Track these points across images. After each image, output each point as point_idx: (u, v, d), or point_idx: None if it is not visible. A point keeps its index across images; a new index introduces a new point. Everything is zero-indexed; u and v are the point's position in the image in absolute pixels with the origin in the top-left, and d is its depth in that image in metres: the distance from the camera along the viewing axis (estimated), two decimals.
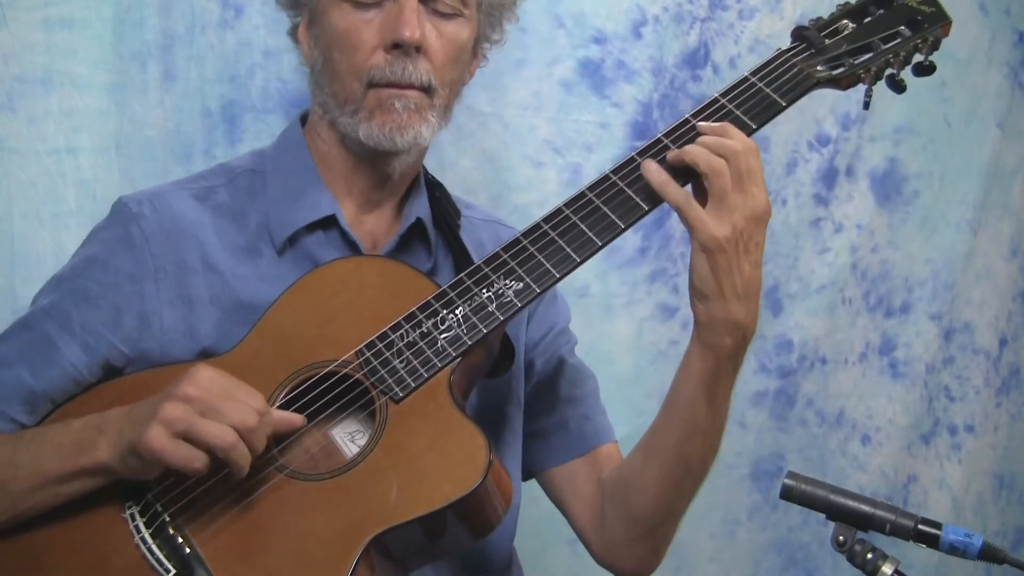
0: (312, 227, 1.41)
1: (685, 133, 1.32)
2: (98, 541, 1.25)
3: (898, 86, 1.40)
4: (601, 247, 1.30)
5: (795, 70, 1.36)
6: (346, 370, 1.29)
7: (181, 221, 1.38)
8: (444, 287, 1.32)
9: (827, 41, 1.39)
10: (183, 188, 1.42)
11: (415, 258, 1.44)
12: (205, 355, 1.34)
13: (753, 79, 1.36)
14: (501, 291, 1.29)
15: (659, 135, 1.32)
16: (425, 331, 1.29)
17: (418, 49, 1.35)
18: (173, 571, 1.21)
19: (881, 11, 1.42)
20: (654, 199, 1.30)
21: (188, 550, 1.22)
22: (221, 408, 1.18)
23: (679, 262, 2.15)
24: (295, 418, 1.25)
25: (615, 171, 1.32)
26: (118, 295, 1.34)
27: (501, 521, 1.28)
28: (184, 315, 1.35)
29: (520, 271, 1.30)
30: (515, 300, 1.29)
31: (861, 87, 1.40)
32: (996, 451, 2.51)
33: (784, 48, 1.39)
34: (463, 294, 1.30)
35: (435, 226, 1.47)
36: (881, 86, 1.41)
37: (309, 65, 1.45)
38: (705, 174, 1.26)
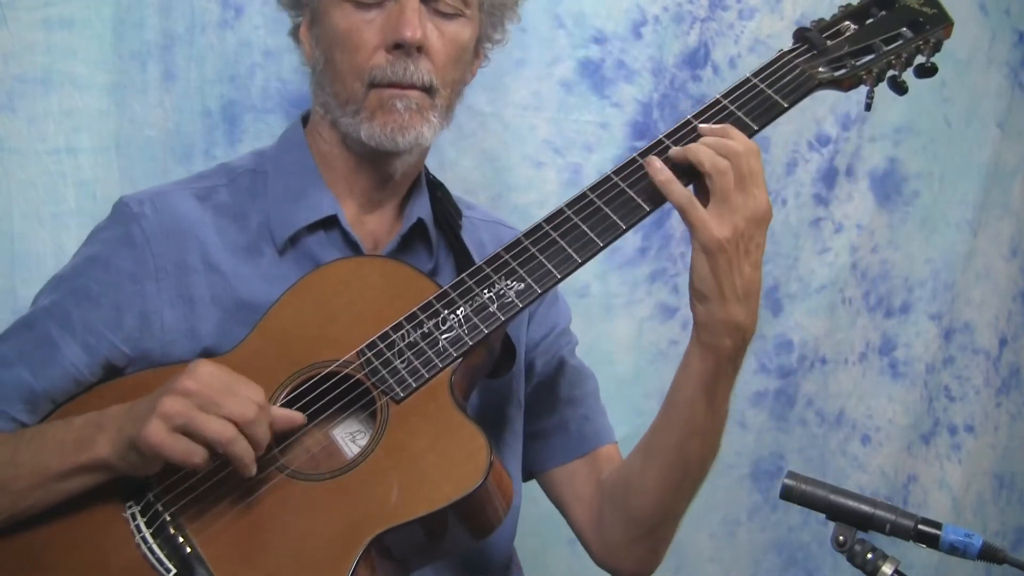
0: (313, 227, 1.41)
1: (687, 134, 1.32)
2: (98, 540, 1.25)
3: (900, 88, 1.41)
4: (603, 248, 1.30)
5: (797, 71, 1.36)
6: (347, 370, 1.29)
7: (182, 221, 1.38)
8: (445, 287, 1.31)
9: (829, 42, 1.39)
10: (184, 188, 1.42)
11: (416, 258, 1.44)
12: (206, 355, 1.33)
13: (755, 80, 1.36)
14: (502, 291, 1.29)
15: (660, 136, 1.33)
16: (426, 331, 1.29)
17: (419, 49, 1.35)
18: (174, 570, 1.21)
19: (883, 13, 1.42)
20: (656, 200, 1.30)
21: (189, 550, 1.22)
22: (220, 402, 1.18)
23: (679, 262, 2.15)
24: (295, 416, 1.25)
25: (616, 172, 1.32)
26: (119, 295, 1.34)
27: (502, 522, 1.28)
28: (185, 315, 1.35)
29: (521, 271, 1.30)
30: (516, 301, 1.29)
31: (863, 88, 1.40)
32: (996, 451, 2.52)
33: (786, 49, 1.39)
34: (464, 294, 1.30)
35: (436, 226, 1.47)
36: (882, 87, 1.41)
37: (310, 65, 1.45)
38: (709, 174, 1.26)
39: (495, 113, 2.03)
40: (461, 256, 1.45)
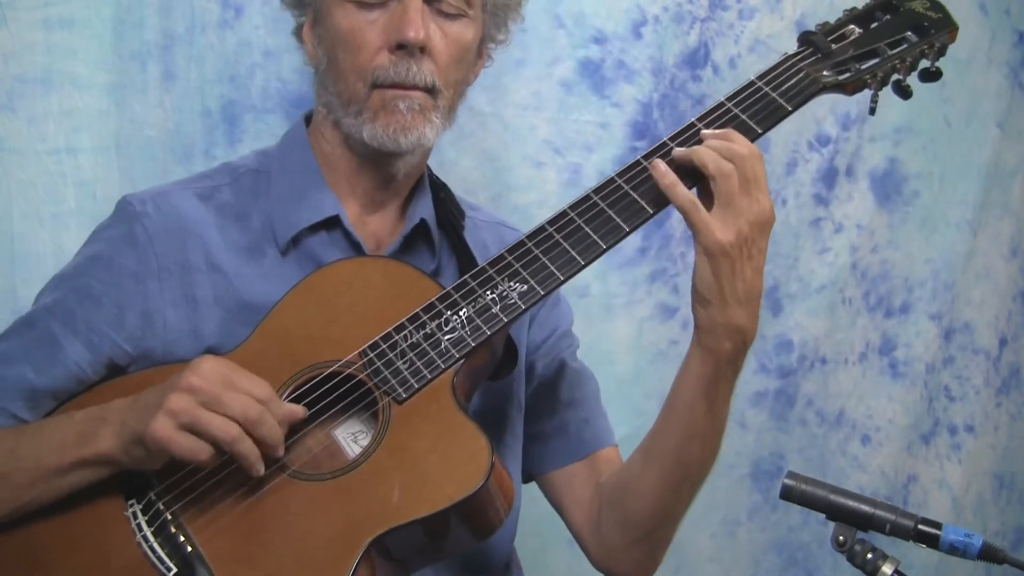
0: (315, 227, 1.40)
1: (690, 137, 1.32)
2: (99, 538, 1.25)
3: (904, 92, 1.41)
4: (606, 250, 1.30)
5: (801, 75, 1.36)
6: (349, 370, 1.29)
7: (185, 220, 1.37)
8: (448, 288, 1.31)
9: (833, 46, 1.39)
10: (187, 187, 1.42)
11: (419, 259, 1.44)
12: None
13: (759, 83, 1.36)
14: (505, 293, 1.29)
15: (664, 139, 1.33)
16: (429, 332, 1.29)
17: (422, 50, 1.35)
18: (174, 569, 1.21)
19: (888, 17, 1.42)
20: (659, 203, 1.30)
21: (190, 548, 1.22)
22: (223, 399, 1.19)
23: (679, 262, 2.15)
24: (296, 409, 1.25)
25: (620, 174, 1.32)
26: (121, 294, 1.34)
27: (503, 523, 1.28)
28: (188, 314, 1.35)
29: (524, 273, 1.30)
30: (519, 302, 1.29)
31: (867, 92, 1.40)
32: (996, 451, 2.52)
33: (790, 53, 1.39)
34: (467, 296, 1.30)
35: (439, 227, 1.47)
36: (886, 91, 1.41)
37: (313, 65, 1.45)
38: (713, 177, 1.26)
39: (495, 113, 2.03)
40: (464, 257, 1.44)
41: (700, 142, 1.30)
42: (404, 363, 1.28)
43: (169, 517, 1.24)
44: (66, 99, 1.77)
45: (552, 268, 1.30)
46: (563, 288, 1.38)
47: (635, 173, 1.31)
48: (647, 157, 1.32)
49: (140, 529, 1.24)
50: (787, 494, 1.17)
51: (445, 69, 1.38)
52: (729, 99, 1.35)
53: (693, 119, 1.33)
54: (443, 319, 1.29)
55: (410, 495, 1.22)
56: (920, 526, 1.13)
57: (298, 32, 1.48)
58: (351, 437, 1.30)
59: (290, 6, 1.48)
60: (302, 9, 1.46)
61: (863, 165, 2.30)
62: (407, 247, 1.44)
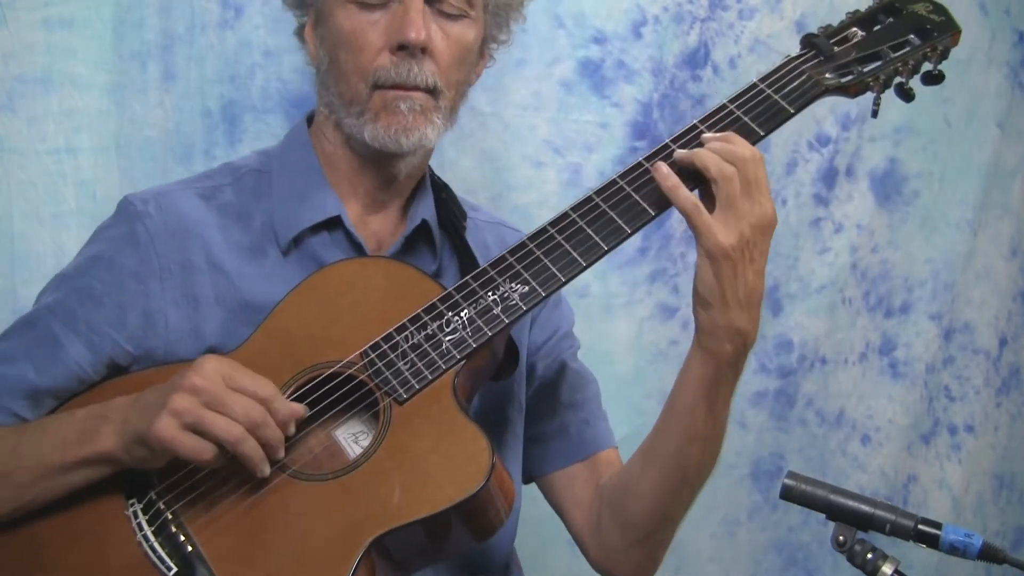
0: (317, 228, 1.40)
1: (692, 139, 1.32)
2: (99, 537, 1.25)
3: (907, 95, 1.41)
4: (607, 252, 1.30)
5: (804, 77, 1.36)
6: (350, 371, 1.29)
7: (186, 220, 1.37)
8: (449, 289, 1.31)
9: (836, 49, 1.39)
10: (188, 187, 1.42)
11: (420, 260, 1.44)
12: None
13: (762, 86, 1.35)
14: (506, 294, 1.29)
15: (667, 141, 1.32)
16: (430, 333, 1.29)
17: (423, 51, 1.35)
18: (174, 569, 1.21)
19: (890, 19, 1.42)
20: (661, 204, 1.30)
21: (190, 548, 1.22)
22: (226, 400, 1.19)
23: (679, 262, 2.16)
24: (297, 408, 1.25)
25: (622, 176, 1.32)
26: (123, 294, 1.34)
27: (503, 524, 1.28)
28: (189, 314, 1.35)
29: (526, 275, 1.30)
30: (520, 303, 1.29)
31: (869, 95, 1.40)
32: (996, 451, 2.52)
33: (793, 55, 1.39)
34: (468, 297, 1.30)
35: (441, 228, 1.47)
36: (888, 94, 1.41)
37: (315, 65, 1.45)
38: (715, 179, 1.26)
39: (495, 113, 2.03)
40: (465, 258, 1.44)
41: (701, 145, 1.30)
42: (405, 364, 1.28)
43: (170, 516, 1.24)
44: (66, 99, 1.77)
45: (553, 269, 1.29)
46: (563, 289, 1.38)
47: (637, 175, 1.31)
48: (649, 159, 1.31)
49: (140, 528, 1.24)
50: (787, 494, 1.17)
51: (446, 70, 1.38)
52: (731, 101, 1.34)
53: (695, 121, 1.33)
54: (444, 320, 1.29)
55: (411, 496, 1.22)
56: (920, 526, 1.13)
57: (300, 32, 1.48)
58: (352, 437, 1.30)
59: (292, 6, 1.48)
60: (304, 9, 1.46)
61: (863, 165, 2.30)
62: (408, 248, 1.44)
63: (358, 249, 1.41)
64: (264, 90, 1.90)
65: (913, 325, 2.38)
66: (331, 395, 1.28)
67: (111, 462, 1.24)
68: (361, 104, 1.37)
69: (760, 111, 1.34)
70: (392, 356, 1.29)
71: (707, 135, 1.30)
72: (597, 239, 1.30)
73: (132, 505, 1.25)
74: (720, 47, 2.15)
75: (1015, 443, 2.53)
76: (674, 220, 2.11)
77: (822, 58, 1.38)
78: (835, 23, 1.42)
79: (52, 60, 1.76)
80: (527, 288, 1.29)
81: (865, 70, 1.38)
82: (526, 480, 1.54)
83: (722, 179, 1.25)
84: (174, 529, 1.23)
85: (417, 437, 1.25)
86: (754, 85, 1.36)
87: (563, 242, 1.30)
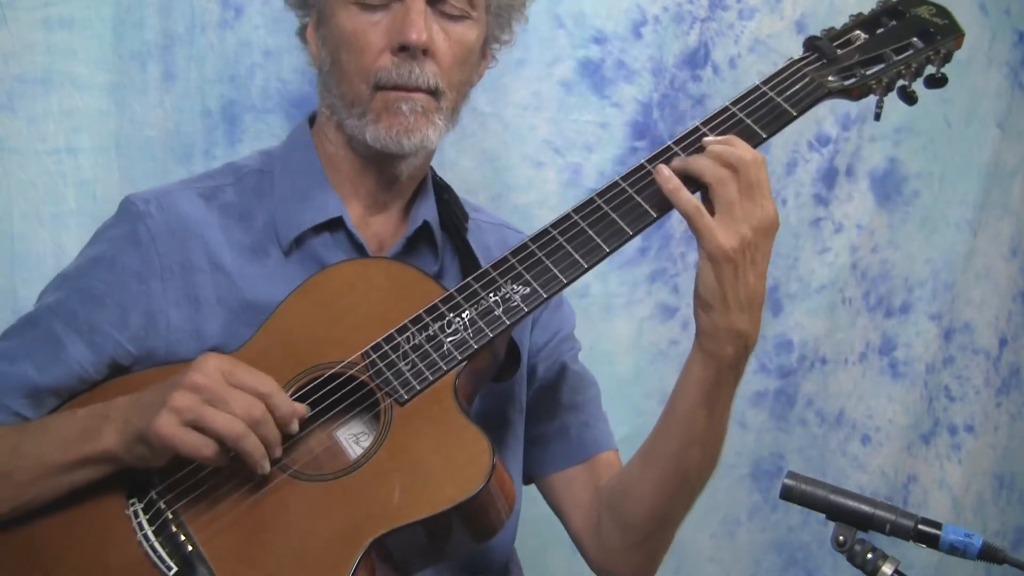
0: (319, 228, 1.40)
1: (695, 141, 1.31)
2: (100, 537, 1.25)
3: (909, 98, 1.40)
4: (609, 253, 1.30)
5: (806, 80, 1.36)
6: (352, 371, 1.28)
7: (187, 220, 1.37)
8: (451, 291, 1.31)
9: (839, 51, 1.38)
10: (190, 187, 1.42)
11: (422, 261, 1.44)
12: None
13: (764, 88, 1.35)
14: (508, 296, 1.29)
15: (669, 143, 1.32)
16: (431, 334, 1.29)
17: (425, 52, 1.35)
18: (175, 569, 1.21)
19: (893, 23, 1.42)
20: (663, 206, 1.30)
21: (190, 548, 1.22)
22: (227, 397, 1.19)
23: (679, 262, 2.15)
24: (298, 406, 1.25)
25: (624, 178, 1.32)
26: (124, 294, 1.34)
27: (504, 525, 1.28)
28: (191, 315, 1.35)
29: (528, 276, 1.30)
30: (522, 305, 1.29)
31: (872, 98, 1.40)
32: (996, 451, 2.52)
33: (796, 58, 1.39)
34: (470, 298, 1.30)
35: (442, 229, 1.47)
36: (891, 97, 1.41)
37: (317, 66, 1.45)
38: (710, 184, 1.26)
39: (495, 113, 2.03)
40: (467, 259, 1.44)
41: (703, 147, 1.30)
42: (406, 364, 1.28)
43: (170, 516, 1.24)
44: (66, 99, 1.77)
45: (555, 271, 1.29)
46: (564, 290, 1.38)
47: (639, 176, 1.31)
48: (651, 160, 1.31)
49: (141, 528, 1.24)
50: (787, 494, 1.17)
51: (448, 71, 1.38)
52: (734, 103, 1.34)
53: (698, 123, 1.33)
54: (446, 321, 1.29)
55: (411, 496, 1.22)
56: (920, 526, 1.13)
57: (302, 33, 1.48)
58: (353, 438, 1.30)
59: (294, 6, 1.48)
60: (306, 10, 1.46)
61: (863, 165, 2.30)
62: (410, 248, 1.44)
63: (360, 250, 1.41)
64: (264, 90, 1.90)
65: (913, 325, 2.38)
66: (332, 395, 1.28)
67: (112, 461, 1.24)
68: (363, 105, 1.37)
69: (762, 113, 1.33)
70: (393, 357, 1.29)
71: (708, 138, 1.31)
72: (599, 241, 1.30)
73: (133, 504, 1.25)
74: (720, 47, 2.15)
75: (1015, 443, 2.53)
76: (674, 220, 2.11)
77: (825, 61, 1.38)
78: (837, 25, 1.42)
79: (52, 60, 1.76)
80: (529, 289, 1.29)
81: (868, 73, 1.38)
82: (526, 481, 1.54)
83: (717, 183, 1.25)
84: (174, 529, 1.23)
85: (418, 438, 1.25)
86: (757, 87, 1.35)
87: (565, 244, 1.30)
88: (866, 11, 1.43)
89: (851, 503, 1.15)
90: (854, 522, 1.15)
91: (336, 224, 1.41)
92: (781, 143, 2.20)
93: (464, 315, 1.29)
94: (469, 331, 1.28)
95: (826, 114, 2.23)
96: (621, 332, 2.15)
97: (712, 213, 1.26)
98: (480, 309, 1.29)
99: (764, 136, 1.32)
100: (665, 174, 1.29)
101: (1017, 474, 2.54)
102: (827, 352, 2.32)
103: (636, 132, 2.10)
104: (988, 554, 1.13)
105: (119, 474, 1.26)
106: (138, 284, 1.34)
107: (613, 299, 2.13)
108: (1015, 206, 2.45)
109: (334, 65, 1.40)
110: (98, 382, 1.35)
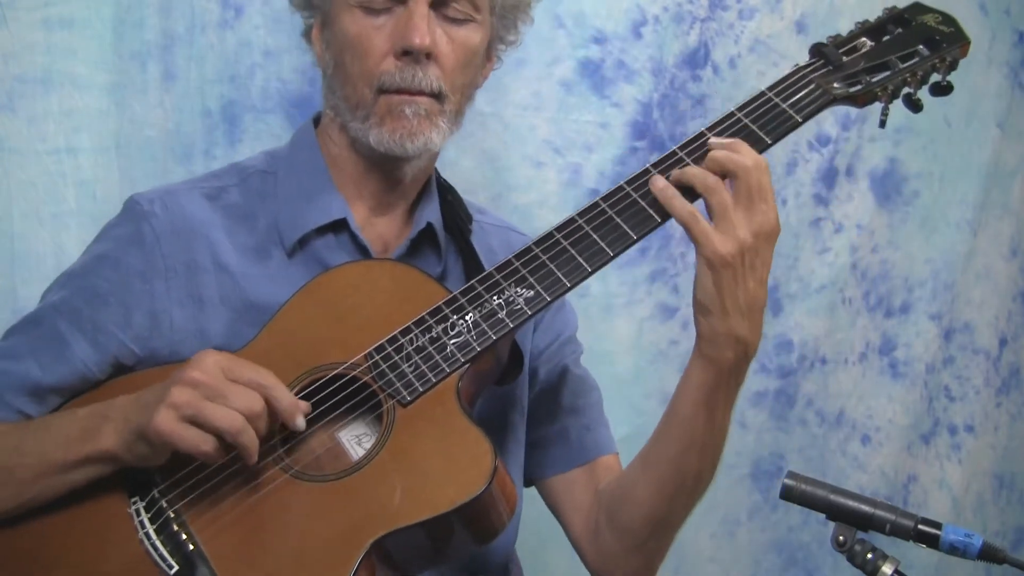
0: (322, 230, 1.40)
1: (699, 147, 1.31)
2: (101, 535, 1.25)
3: (915, 105, 1.41)
4: (613, 258, 1.30)
5: (812, 86, 1.36)
6: (354, 372, 1.28)
7: (192, 220, 1.37)
8: (455, 293, 1.31)
9: (845, 58, 1.39)
10: (194, 187, 1.42)
11: (425, 263, 1.43)
12: None
13: (770, 94, 1.35)
14: (512, 298, 1.29)
15: (674, 148, 1.32)
16: (435, 336, 1.29)
17: (428, 56, 1.35)
18: (176, 567, 1.21)
19: (899, 30, 1.42)
20: (666, 211, 1.30)
21: (192, 547, 1.22)
22: (227, 392, 1.19)
23: (679, 262, 2.16)
24: (300, 402, 1.25)
25: (629, 182, 1.32)
26: (128, 293, 1.34)
27: (505, 527, 1.28)
28: (194, 315, 1.35)
29: (531, 279, 1.30)
30: (525, 308, 1.29)
31: (877, 105, 1.40)
32: (996, 451, 2.52)
33: (801, 64, 1.39)
34: (474, 300, 1.30)
35: (446, 231, 1.47)
36: (896, 104, 1.41)
37: (321, 67, 1.45)
38: (702, 194, 1.26)
39: (495, 113, 2.03)
40: (470, 261, 1.44)
41: (709, 151, 1.30)
42: (409, 366, 1.28)
43: (172, 515, 1.24)
44: (66, 99, 1.77)
45: (559, 275, 1.29)
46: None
47: (643, 182, 1.31)
48: (656, 165, 1.32)
49: (142, 526, 1.24)
50: (787, 494, 1.17)
51: (451, 74, 1.37)
52: (739, 109, 1.34)
53: (703, 128, 1.33)
54: (449, 323, 1.29)
55: (412, 498, 1.21)
56: (920, 526, 1.13)
57: (307, 34, 1.48)
58: (355, 439, 1.30)
59: (299, 7, 1.48)
60: (311, 11, 1.46)
61: (863, 165, 2.30)
62: (414, 250, 1.44)
63: (363, 252, 1.41)
64: (264, 90, 1.90)
65: (913, 325, 2.38)
66: (335, 396, 1.28)
67: (113, 460, 1.24)
68: (366, 108, 1.37)
69: (768, 119, 1.33)
70: (396, 359, 1.28)
71: (715, 140, 1.30)
72: (603, 245, 1.29)
73: (134, 503, 1.25)
74: (720, 47, 2.15)
75: (1015, 443, 2.53)
76: (675, 221, 2.11)
77: (831, 67, 1.38)
78: (836, 25, 1.43)
79: (52, 60, 1.76)
80: (532, 293, 1.29)
81: (873, 80, 1.38)
82: (526, 484, 1.54)
83: (708, 192, 1.26)
84: (176, 527, 1.23)
85: (420, 439, 1.25)
86: (762, 93, 1.35)
87: (569, 247, 1.30)
88: (872, 18, 1.43)
89: (851, 503, 1.15)
90: (854, 522, 1.15)
91: (340, 226, 1.41)
92: (781, 143, 2.18)
93: (467, 317, 1.29)
94: (472, 333, 1.28)
95: (826, 114, 2.22)
96: (621, 332, 2.15)
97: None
98: (483, 312, 1.29)
99: (769, 142, 1.32)
100: (659, 184, 1.29)
101: (1017, 474, 2.55)
102: (827, 352, 2.32)
103: (636, 132, 2.10)
104: (988, 554, 1.13)
105: (121, 473, 1.26)
106: (142, 284, 1.34)
107: (613, 299, 2.13)
108: (1015, 206, 2.46)
109: (338, 68, 1.40)
110: (101, 381, 1.35)
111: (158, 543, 1.22)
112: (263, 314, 1.34)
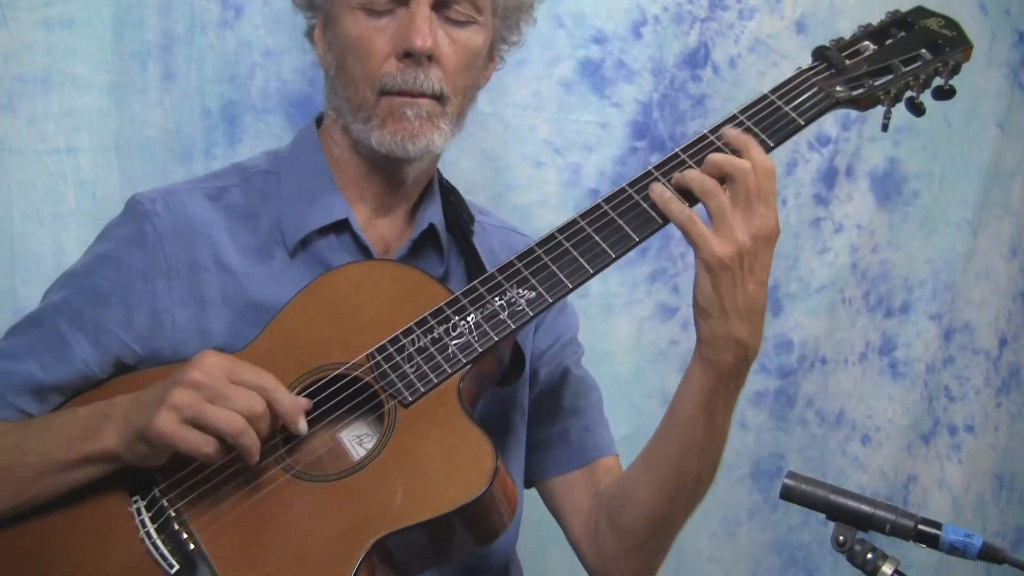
0: (324, 230, 1.40)
1: (702, 148, 1.31)
2: (102, 534, 1.25)
3: (917, 109, 1.41)
4: (615, 259, 1.30)
5: (815, 90, 1.36)
6: (356, 373, 1.28)
7: (194, 220, 1.37)
8: (457, 294, 1.31)
9: (847, 62, 1.39)
10: (196, 187, 1.42)
11: (427, 263, 1.44)
12: None
13: (772, 97, 1.35)
14: (514, 299, 1.29)
15: (676, 150, 1.33)
16: (436, 337, 1.29)
17: (429, 58, 1.35)
18: (176, 567, 1.21)
19: (902, 34, 1.42)
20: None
21: (192, 546, 1.22)
22: (228, 394, 1.19)
23: (679, 262, 2.16)
24: (301, 399, 1.25)
25: (631, 184, 1.32)
26: (130, 293, 1.34)
27: (506, 528, 1.28)
28: (196, 315, 1.35)
29: (533, 280, 1.30)
30: (527, 309, 1.29)
31: (880, 108, 1.40)
32: (996, 451, 2.52)
33: (804, 67, 1.39)
34: (476, 301, 1.30)
35: (448, 232, 1.47)
36: (899, 107, 1.41)
37: (323, 68, 1.44)
38: (700, 198, 1.26)
39: (495, 113, 2.03)
40: (472, 262, 1.44)
41: (715, 149, 1.30)
42: (411, 367, 1.28)
43: (173, 514, 1.24)
44: (66, 99, 1.77)
45: (561, 276, 1.29)
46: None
47: (645, 184, 1.31)
48: (658, 167, 1.32)
49: (143, 526, 1.24)
50: (787, 494, 1.17)
51: (453, 76, 1.37)
52: (742, 111, 1.34)
53: (705, 131, 1.33)
54: (451, 324, 1.29)
55: (413, 498, 1.21)
56: (920, 526, 1.14)
57: (309, 34, 1.47)
58: (356, 439, 1.30)
59: (301, 7, 1.48)
60: (313, 12, 1.46)
61: (863, 165, 2.30)
62: (416, 251, 1.44)
63: (365, 252, 1.41)
64: (264, 90, 1.90)
65: (913, 325, 2.38)
66: (336, 397, 1.28)
67: (113, 460, 1.24)
68: (368, 110, 1.37)
69: (770, 122, 1.33)
70: (398, 359, 1.29)
71: (730, 133, 1.30)
72: (605, 246, 1.29)
73: (135, 502, 1.25)
74: (720, 47, 2.15)
75: (1015, 443, 2.53)
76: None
77: (833, 71, 1.38)
78: (838, 26, 1.43)
79: (52, 60, 1.76)
80: (534, 294, 1.29)
81: (876, 84, 1.38)
82: (526, 485, 1.54)
83: (704, 195, 1.26)
84: (177, 527, 1.23)
85: (421, 440, 1.25)
86: (765, 96, 1.35)
87: (571, 249, 1.30)
88: (875, 22, 1.43)
89: (851, 503, 1.15)
90: (854, 522, 1.15)
91: (342, 226, 1.41)
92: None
93: (469, 318, 1.29)
94: (474, 334, 1.28)
95: (827, 115, 2.22)
96: (621, 332, 2.15)
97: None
98: (485, 313, 1.29)
99: (772, 145, 1.32)
100: (657, 188, 1.29)
101: (1017, 474, 2.55)
102: (827, 352, 2.32)
103: (636, 132, 2.10)
104: (988, 554, 1.13)
105: (122, 472, 1.26)
106: (144, 283, 1.34)
107: (613, 299, 2.13)
108: (1015, 206, 2.46)
109: (340, 69, 1.40)
110: (103, 380, 1.35)
111: (159, 542, 1.22)
112: (265, 314, 1.34)
